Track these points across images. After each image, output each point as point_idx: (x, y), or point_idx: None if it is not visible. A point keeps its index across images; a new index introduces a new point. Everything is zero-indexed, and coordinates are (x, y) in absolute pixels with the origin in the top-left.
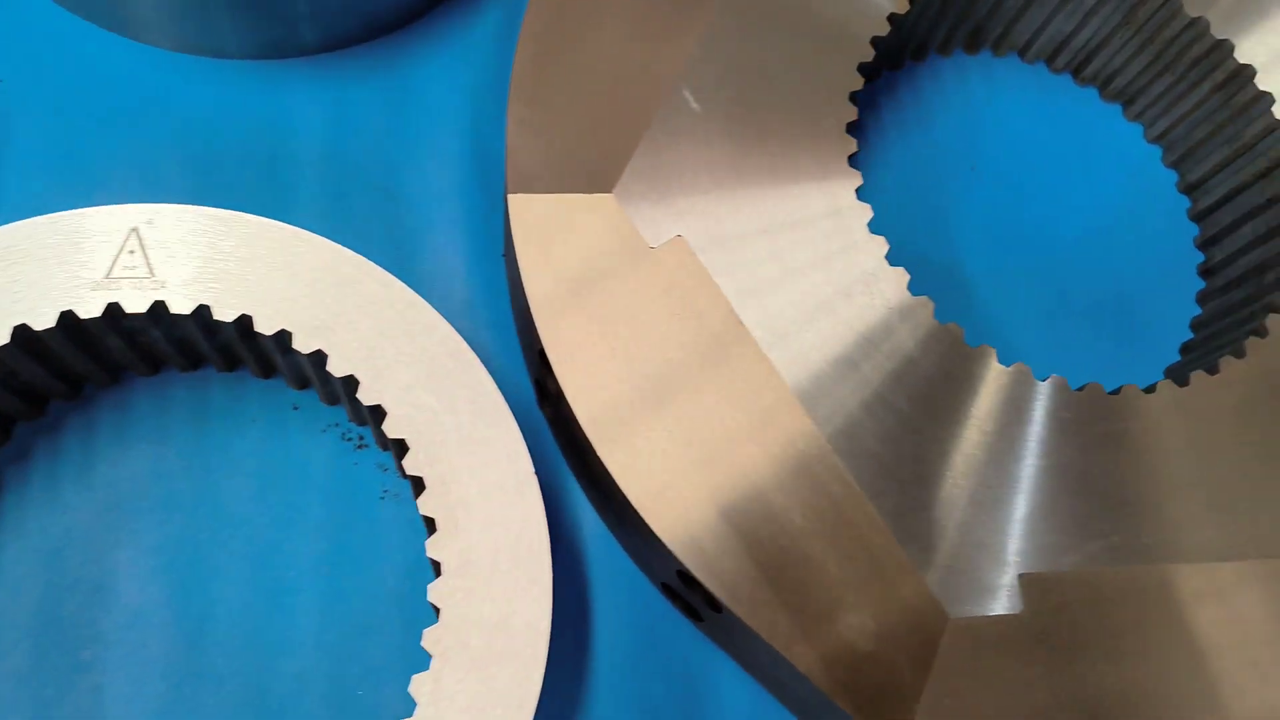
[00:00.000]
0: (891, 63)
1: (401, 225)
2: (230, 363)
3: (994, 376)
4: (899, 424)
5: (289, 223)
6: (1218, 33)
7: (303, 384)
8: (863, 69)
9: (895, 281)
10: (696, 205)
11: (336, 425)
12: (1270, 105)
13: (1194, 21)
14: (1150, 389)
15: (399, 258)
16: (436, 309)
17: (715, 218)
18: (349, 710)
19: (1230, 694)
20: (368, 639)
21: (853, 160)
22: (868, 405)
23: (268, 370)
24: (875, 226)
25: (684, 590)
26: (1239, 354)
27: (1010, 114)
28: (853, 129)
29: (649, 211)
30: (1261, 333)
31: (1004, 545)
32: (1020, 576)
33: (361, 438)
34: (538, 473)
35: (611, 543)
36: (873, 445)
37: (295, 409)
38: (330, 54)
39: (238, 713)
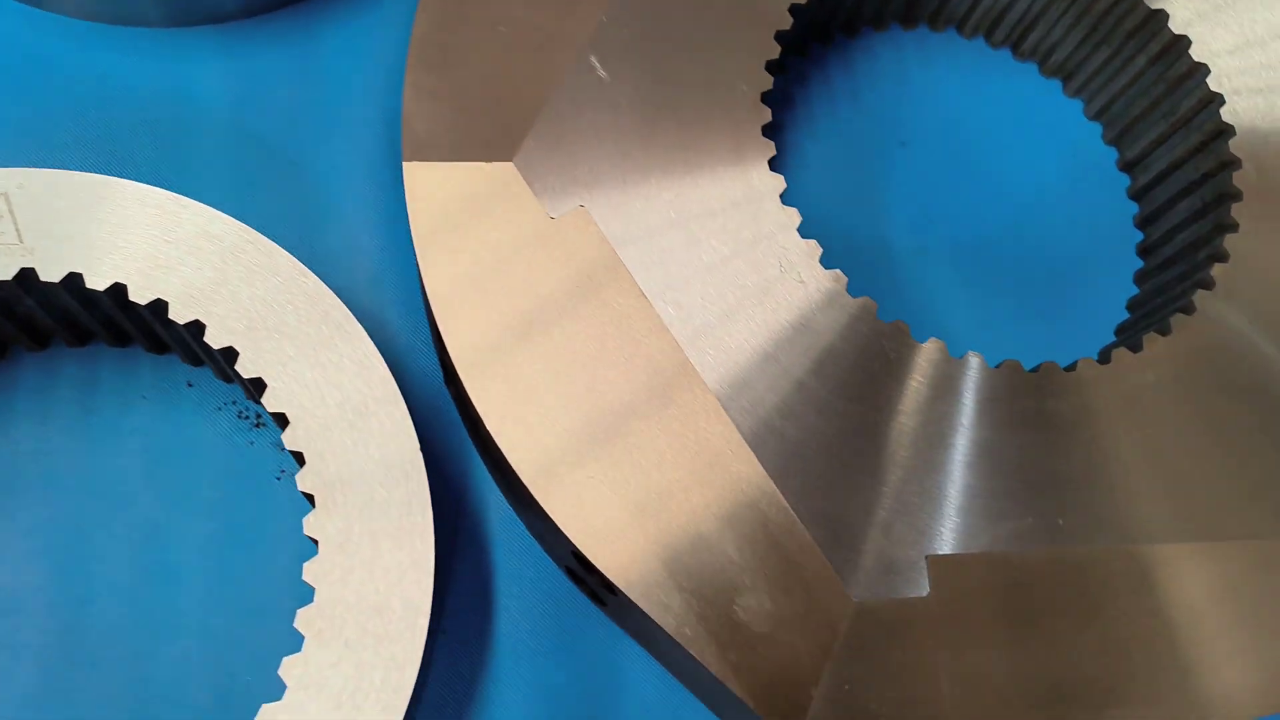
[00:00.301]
0: (820, 37)
1: (308, 199)
2: (120, 338)
3: (916, 356)
4: (814, 406)
5: (190, 195)
6: (1152, 2)
7: (197, 360)
8: (787, 43)
9: (808, 258)
10: (602, 175)
11: (233, 403)
12: (1205, 76)
13: None
14: (1071, 367)
15: (304, 232)
16: (342, 285)
17: (622, 192)
18: (234, 695)
19: (1143, 683)
20: (257, 623)
21: (772, 133)
22: (783, 386)
23: (159, 346)
24: (802, 206)
25: (582, 573)
26: (1164, 331)
27: (946, 90)
28: (770, 100)
29: (551, 182)
30: (1189, 310)
31: (914, 527)
32: (927, 558)
33: (259, 416)
34: (445, 453)
35: (518, 526)
36: (783, 426)
37: (189, 385)
38: (240, 22)
39: (117, 699)
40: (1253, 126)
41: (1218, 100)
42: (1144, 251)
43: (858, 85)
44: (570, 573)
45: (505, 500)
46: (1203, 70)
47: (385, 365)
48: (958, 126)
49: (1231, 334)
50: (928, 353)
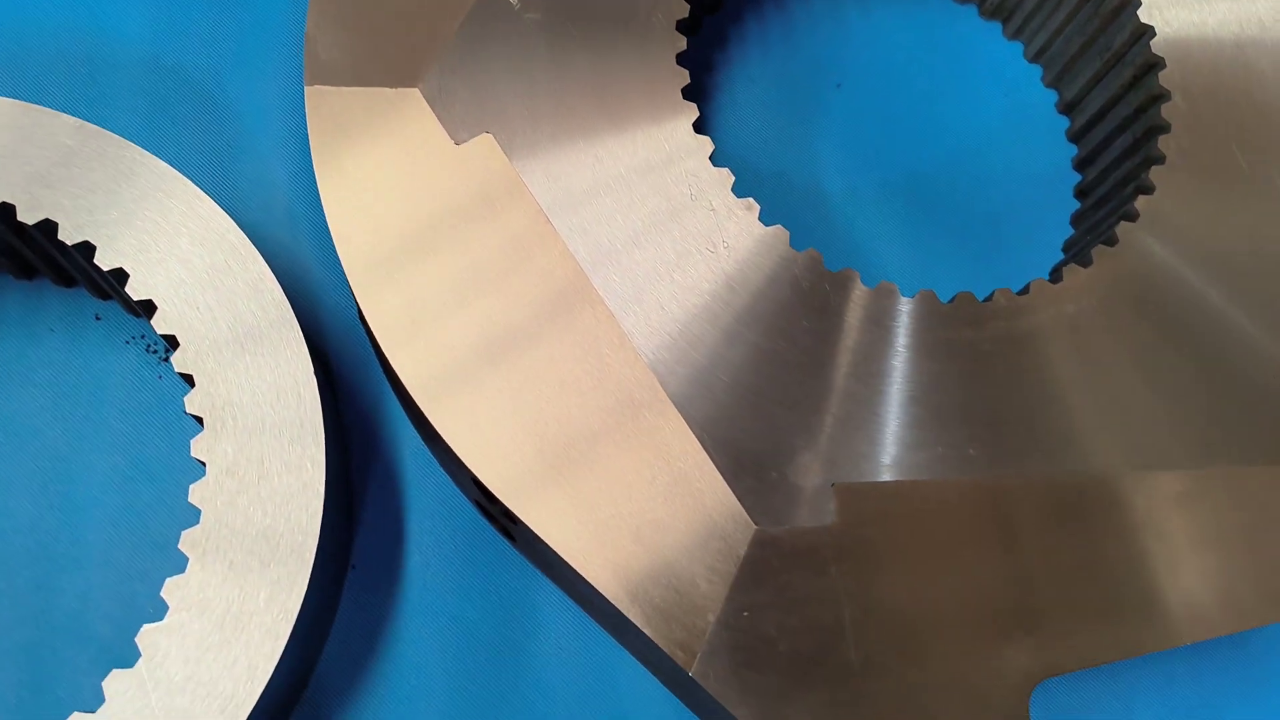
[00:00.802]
0: None
1: (225, 130)
2: (26, 270)
3: (829, 285)
4: (723, 334)
5: (104, 127)
6: None
7: (104, 294)
8: None
9: (720, 185)
10: (508, 103)
11: (141, 337)
12: (1136, 9)
13: None
14: (989, 298)
15: (221, 163)
16: (258, 218)
17: (530, 122)
18: (135, 627)
19: (1045, 614)
20: (161, 556)
21: (702, 73)
22: (691, 313)
23: (66, 279)
24: (732, 148)
25: (486, 504)
26: (1085, 263)
27: (884, 33)
28: (699, 39)
29: (456, 109)
30: (1111, 241)
31: (821, 456)
32: (834, 487)
33: (168, 349)
34: (360, 392)
35: (432, 464)
36: (690, 354)
37: (97, 319)
38: None
39: (16, 631)
40: (1183, 58)
41: (1148, 33)
42: (1080, 193)
43: (793, 26)
44: (479, 507)
45: (420, 439)
46: (1133, 3)
47: (280, 289)
48: (895, 69)
49: (1154, 265)
50: (841, 281)
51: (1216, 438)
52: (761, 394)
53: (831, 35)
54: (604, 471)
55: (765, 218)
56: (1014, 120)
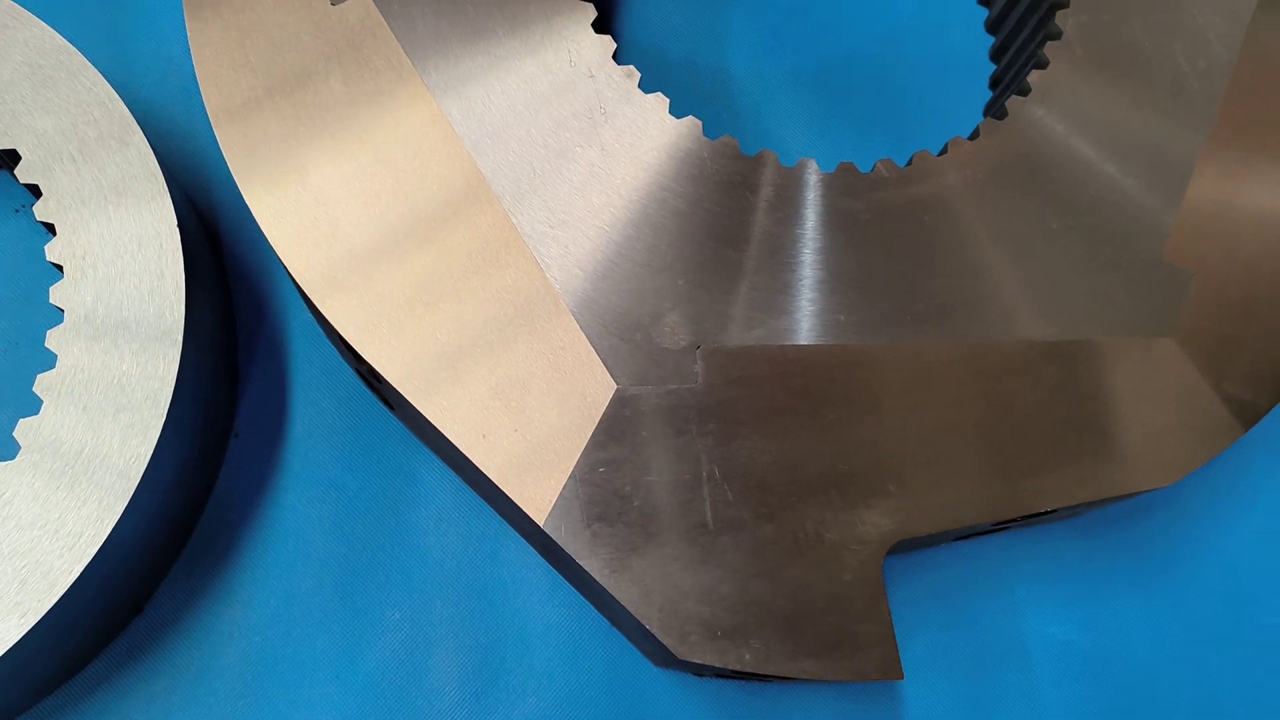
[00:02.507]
0: None
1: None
2: None
3: (707, 151)
4: (593, 196)
5: None
6: None
7: None
8: None
9: (602, 53)
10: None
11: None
12: None
13: None
14: (872, 169)
15: (116, 34)
16: (154, 90)
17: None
18: None
19: (902, 477)
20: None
21: None
22: (562, 173)
23: None
24: (643, 34)
25: (362, 369)
26: (972, 136)
27: None
28: None
29: None
30: (1000, 114)
31: (689, 319)
32: (699, 349)
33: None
34: (249, 267)
35: (320, 337)
36: (563, 215)
37: None
38: None
39: None
40: None
41: None
42: (994, 83)
43: None
44: (360, 376)
45: (307, 311)
46: None
47: (146, 144)
48: None
49: (1042, 137)
50: (719, 148)
51: (1094, 308)
52: (630, 257)
53: None
54: (467, 328)
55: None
56: (933, 9)
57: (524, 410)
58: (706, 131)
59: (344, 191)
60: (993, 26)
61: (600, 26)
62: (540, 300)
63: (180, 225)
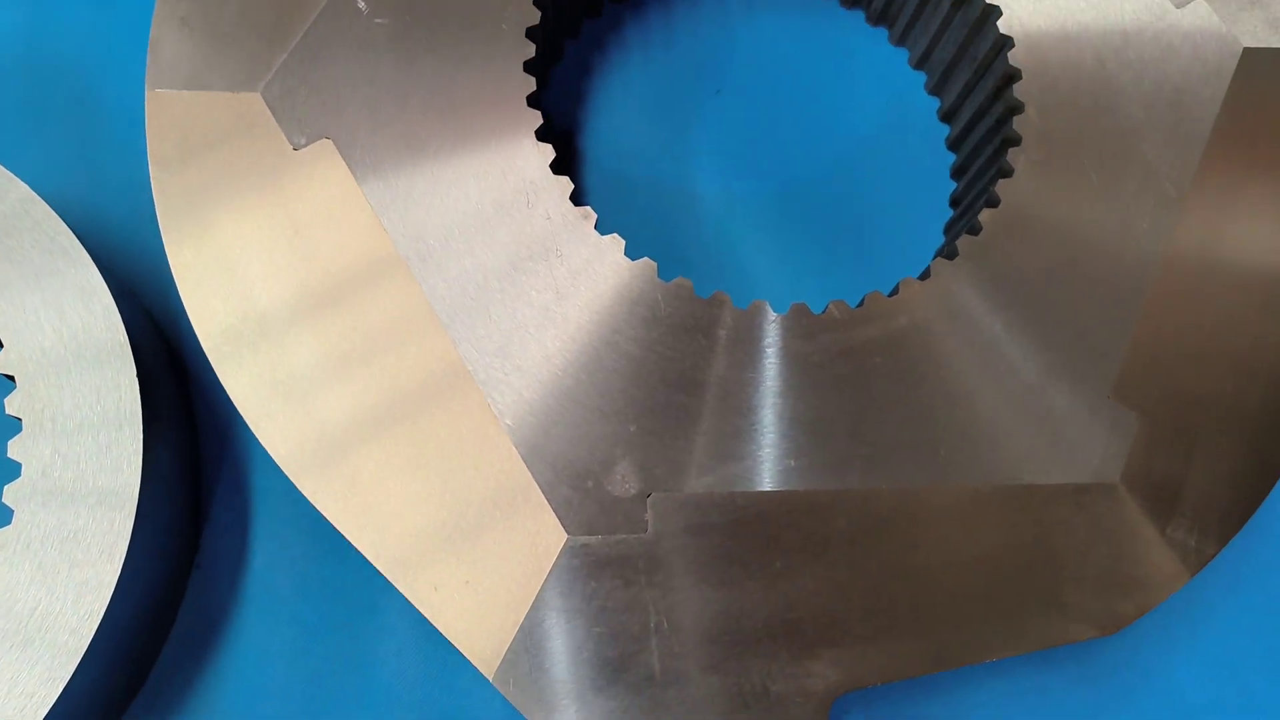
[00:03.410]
0: None
1: (97, 133)
2: None
3: (662, 295)
4: (551, 340)
5: None
6: None
7: None
8: None
9: (559, 192)
10: (351, 112)
11: None
12: (998, 18)
13: None
14: (824, 311)
15: (91, 166)
16: (125, 222)
17: (371, 130)
18: None
19: (849, 627)
20: None
21: (579, 79)
22: (519, 318)
23: None
24: (608, 156)
25: None
26: (924, 276)
27: (769, 38)
28: (534, 34)
29: (296, 116)
30: (951, 255)
31: (640, 467)
32: (649, 498)
33: None
34: (215, 397)
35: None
36: (518, 358)
37: None
38: None
39: None
40: (1041, 70)
41: (1008, 44)
42: (954, 202)
43: (675, 30)
44: None
45: None
46: (995, 12)
47: (109, 295)
48: (778, 74)
49: (982, 281)
50: (673, 290)
51: (1038, 452)
52: (582, 403)
53: (714, 39)
54: (421, 478)
55: (636, 224)
56: (896, 127)
57: (475, 562)
58: (668, 257)
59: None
60: (953, 145)
61: (564, 145)
62: (493, 449)
63: (142, 358)
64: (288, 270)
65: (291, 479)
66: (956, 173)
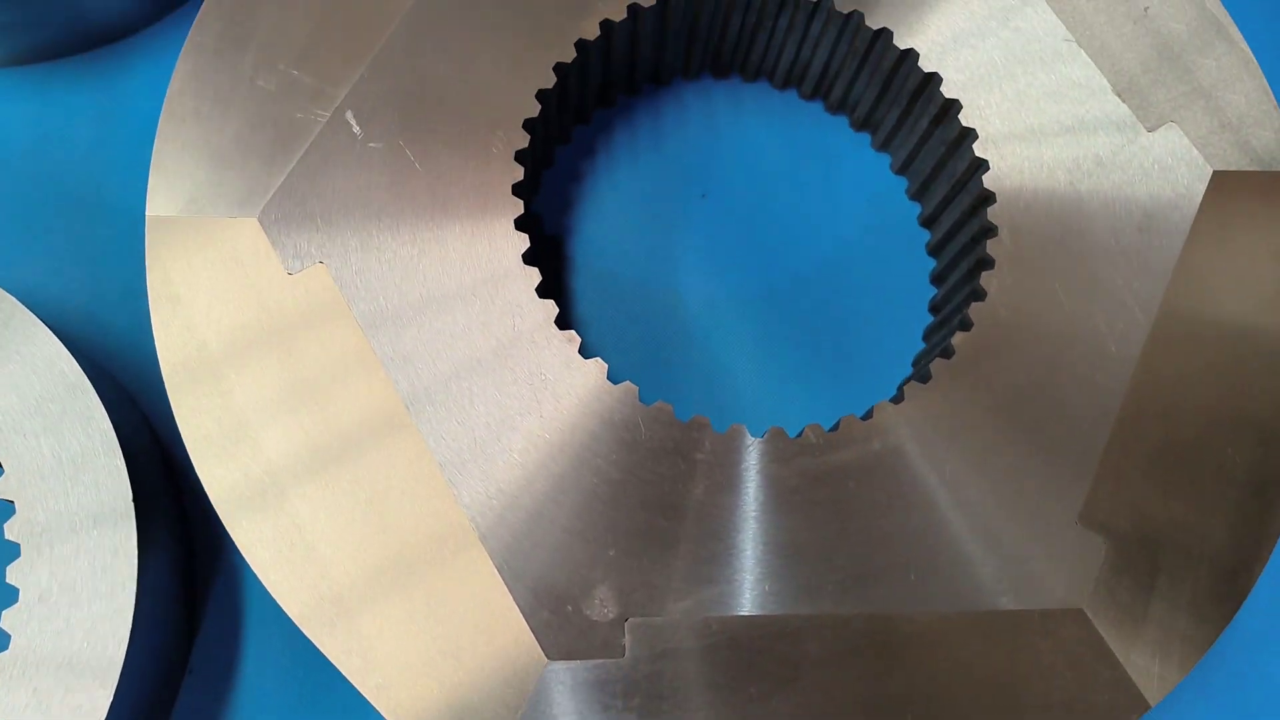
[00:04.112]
0: (626, 88)
1: (99, 243)
2: None
3: (642, 418)
4: (535, 466)
5: None
6: (926, 65)
7: None
8: (550, 100)
9: (544, 320)
10: (346, 234)
11: None
12: (974, 141)
13: (905, 54)
14: (800, 434)
15: (94, 279)
16: (125, 334)
17: (363, 253)
18: None
19: None
20: None
21: (569, 184)
22: (504, 443)
23: None
24: (595, 258)
25: None
26: (898, 399)
27: (754, 141)
28: (523, 157)
29: (293, 240)
30: (924, 377)
31: (619, 591)
32: (627, 622)
33: None
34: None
35: None
36: (502, 484)
37: None
38: (43, 64)
39: None
40: (1014, 194)
41: (984, 166)
42: (933, 309)
43: (664, 135)
44: None
45: None
46: (972, 134)
47: (107, 419)
48: (763, 178)
49: (960, 407)
50: (653, 414)
51: (1004, 577)
52: (563, 527)
53: (701, 143)
54: (402, 603)
55: (620, 328)
56: (878, 231)
57: (455, 686)
58: (651, 362)
59: (290, 454)
60: (932, 252)
61: (553, 248)
62: (476, 573)
63: (138, 471)
64: (282, 401)
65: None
66: (936, 279)
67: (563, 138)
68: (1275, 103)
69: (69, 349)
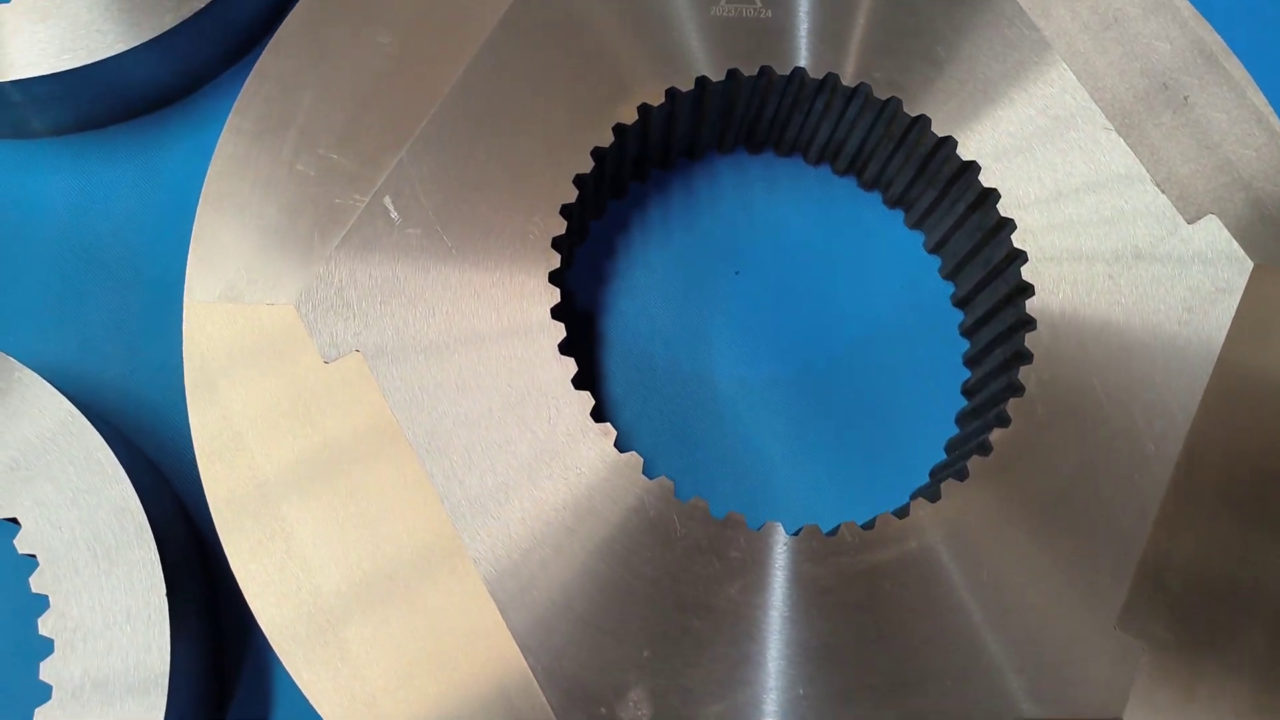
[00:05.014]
0: (660, 162)
1: (136, 316)
2: None
3: (679, 516)
4: (569, 565)
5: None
6: (964, 154)
7: None
8: (589, 185)
9: (580, 411)
10: (384, 322)
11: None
12: (1012, 231)
13: (943, 141)
14: (833, 532)
15: (129, 350)
16: (158, 409)
17: (401, 341)
18: None
19: None
20: None
21: (604, 261)
22: (538, 540)
23: None
24: (628, 337)
25: None
26: (933, 497)
27: (788, 217)
28: (560, 244)
29: (328, 326)
30: (962, 475)
31: (652, 693)
32: None
33: None
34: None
35: None
36: (533, 581)
37: None
38: (80, 134)
39: None
40: (1053, 287)
41: (1021, 257)
42: (967, 392)
43: (697, 211)
44: None
45: None
46: (1009, 225)
47: (141, 510)
48: (797, 254)
49: (997, 507)
50: (689, 511)
51: (1044, 686)
52: (597, 626)
53: (734, 220)
54: (438, 704)
55: (653, 409)
56: (911, 310)
57: None
58: (683, 445)
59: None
60: (966, 333)
61: (586, 326)
62: (511, 675)
63: (170, 557)
64: (316, 490)
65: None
66: (970, 361)
67: (597, 212)
68: None
69: (104, 425)
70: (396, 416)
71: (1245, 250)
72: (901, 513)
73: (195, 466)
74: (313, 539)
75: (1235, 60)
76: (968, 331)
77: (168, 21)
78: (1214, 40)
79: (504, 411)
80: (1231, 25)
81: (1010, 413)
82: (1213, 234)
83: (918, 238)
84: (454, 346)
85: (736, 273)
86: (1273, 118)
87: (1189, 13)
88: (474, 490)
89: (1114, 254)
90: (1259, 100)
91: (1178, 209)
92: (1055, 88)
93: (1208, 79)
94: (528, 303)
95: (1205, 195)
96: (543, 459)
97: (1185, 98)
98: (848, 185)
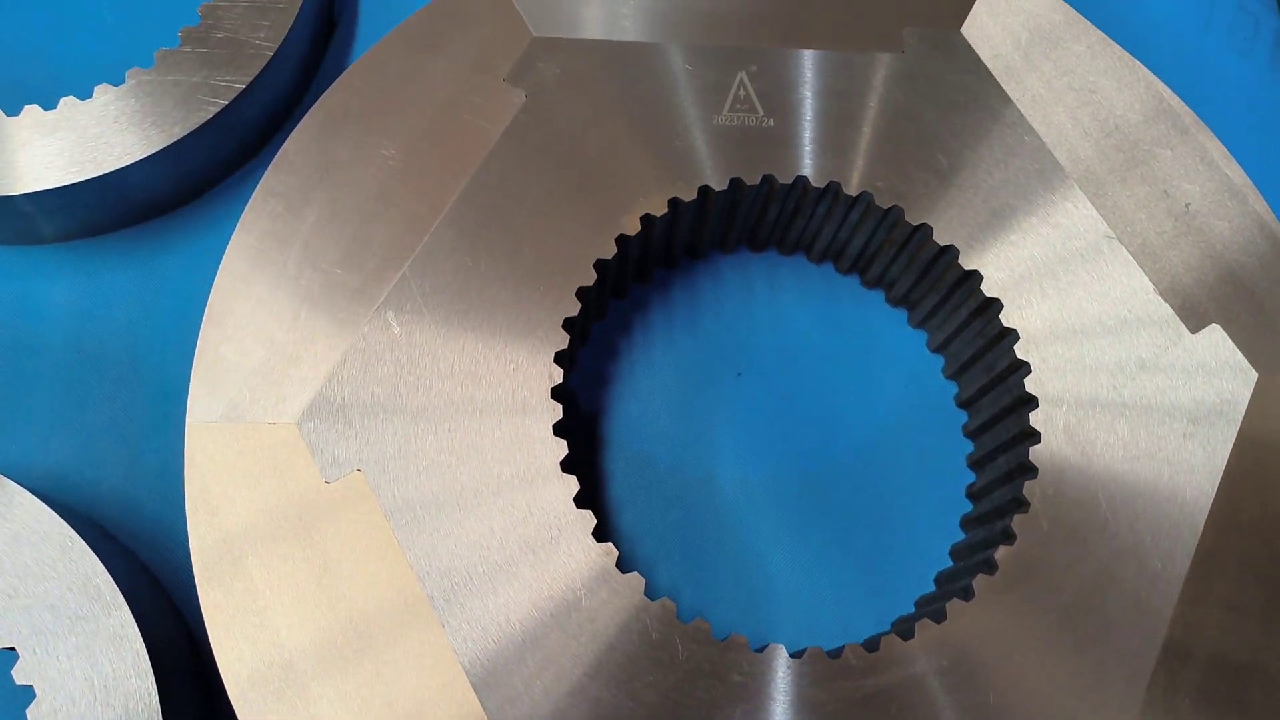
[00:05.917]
0: (663, 261)
1: (137, 421)
2: None
3: (677, 637)
4: (565, 686)
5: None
6: (966, 263)
7: None
8: (590, 297)
9: (581, 530)
10: (383, 437)
11: None
12: (1015, 342)
13: (945, 249)
14: (836, 653)
15: (130, 455)
16: (158, 516)
17: (401, 456)
18: None
19: None
20: None
21: (605, 363)
22: (537, 666)
23: None
24: (628, 440)
25: None
26: (939, 617)
27: (790, 316)
28: (563, 359)
29: (332, 446)
30: (967, 595)
31: None
32: None
33: None
34: None
35: None
36: (533, 710)
37: None
38: (85, 240)
39: None
40: (1058, 396)
41: (1025, 368)
42: (971, 496)
43: (699, 310)
44: None
45: None
46: (1012, 335)
47: (140, 639)
48: (799, 354)
49: (1004, 627)
50: (691, 633)
51: None
52: None
53: (736, 319)
54: None
55: (655, 511)
56: (914, 410)
57: None
58: (684, 556)
59: (324, 676)
60: (971, 435)
61: (588, 429)
62: None
63: (165, 669)
64: (315, 615)
65: None
66: (974, 464)
67: (599, 315)
68: None
69: (103, 539)
70: (398, 540)
71: (1250, 361)
72: (906, 634)
73: (193, 572)
74: (314, 670)
75: (1237, 166)
76: (972, 434)
77: (175, 133)
78: (1215, 147)
79: (505, 535)
80: (1236, 134)
81: (1015, 529)
82: (1217, 344)
83: (921, 336)
84: (455, 469)
85: (739, 374)
86: (1276, 225)
87: (1190, 119)
88: (475, 614)
89: (1118, 364)
90: (1261, 207)
91: (1181, 318)
92: (1057, 195)
93: (1209, 186)
94: (530, 418)
95: (1208, 304)
96: (543, 579)
97: (1186, 205)
98: (850, 284)
